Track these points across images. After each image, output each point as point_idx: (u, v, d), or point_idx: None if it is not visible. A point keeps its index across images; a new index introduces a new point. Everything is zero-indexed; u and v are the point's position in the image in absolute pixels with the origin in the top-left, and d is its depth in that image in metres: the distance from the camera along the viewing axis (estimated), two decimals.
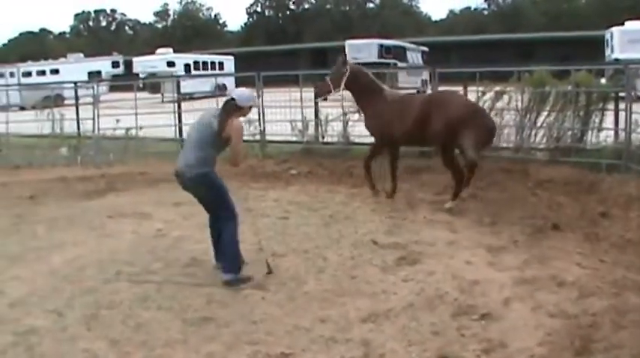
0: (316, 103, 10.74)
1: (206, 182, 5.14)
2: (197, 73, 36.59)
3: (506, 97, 10.16)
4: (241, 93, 5.34)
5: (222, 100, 5.60)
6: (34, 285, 5.28)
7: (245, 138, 8.61)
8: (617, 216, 6.80)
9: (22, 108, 18.01)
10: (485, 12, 71.86)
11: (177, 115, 12.83)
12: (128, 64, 41.34)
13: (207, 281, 5.26)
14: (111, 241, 6.59)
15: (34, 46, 69.42)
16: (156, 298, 4.96)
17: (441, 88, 10.83)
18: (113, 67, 41.91)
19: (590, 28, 41.86)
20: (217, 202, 5.26)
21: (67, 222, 7.46)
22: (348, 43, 37.31)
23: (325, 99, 8.93)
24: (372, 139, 9.92)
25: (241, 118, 5.35)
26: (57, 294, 5.08)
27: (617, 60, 20.53)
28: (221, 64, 40.26)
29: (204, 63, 39.85)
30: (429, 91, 9.20)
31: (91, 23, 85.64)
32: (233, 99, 5.21)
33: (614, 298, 4.60)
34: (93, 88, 13.48)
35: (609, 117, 9.69)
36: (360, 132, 9.81)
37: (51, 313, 4.69)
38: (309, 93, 7.91)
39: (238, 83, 26.68)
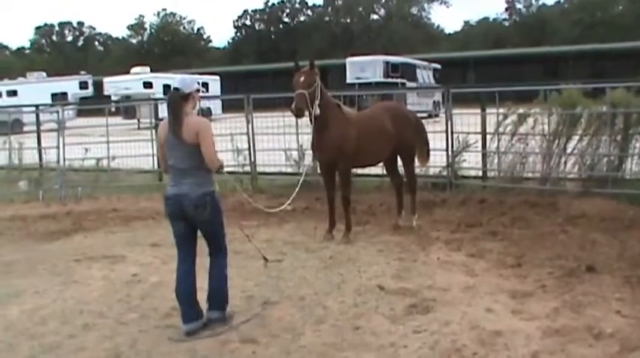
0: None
1: (212, 203, 5.21)
2: None
3: (531, 121, 10.25)
4: (182, 79, 5.44)
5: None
6: None
7: (233, 169, 8.68)
8: None
9: None
10: (506, 23, 72.81)
11: (155, 144, 12.92)
12: (98, 85, 41.73)
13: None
14: (78, 289, 6.59)
15: None
16: (129, 355, 4.95)
17: (456, 111, 10.95)
18: (81, 88, 42.30)
19: (629, 38, 42.28)
20: (218, 231, 5.36)
21: (26, 266, 7.46)
22: (350, 60, 37.75)
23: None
24: (375, 171, 10.01)
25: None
26: (13, 353, 5.06)
27: None
28: (205, 85, 40.62)
29: None
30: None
31: (54, 37, 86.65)
32: (177, 89, 5.27)
33: None
34: (57, 112, 13.61)
35: None
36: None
37: None
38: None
39: (225, 107, 27.08)
